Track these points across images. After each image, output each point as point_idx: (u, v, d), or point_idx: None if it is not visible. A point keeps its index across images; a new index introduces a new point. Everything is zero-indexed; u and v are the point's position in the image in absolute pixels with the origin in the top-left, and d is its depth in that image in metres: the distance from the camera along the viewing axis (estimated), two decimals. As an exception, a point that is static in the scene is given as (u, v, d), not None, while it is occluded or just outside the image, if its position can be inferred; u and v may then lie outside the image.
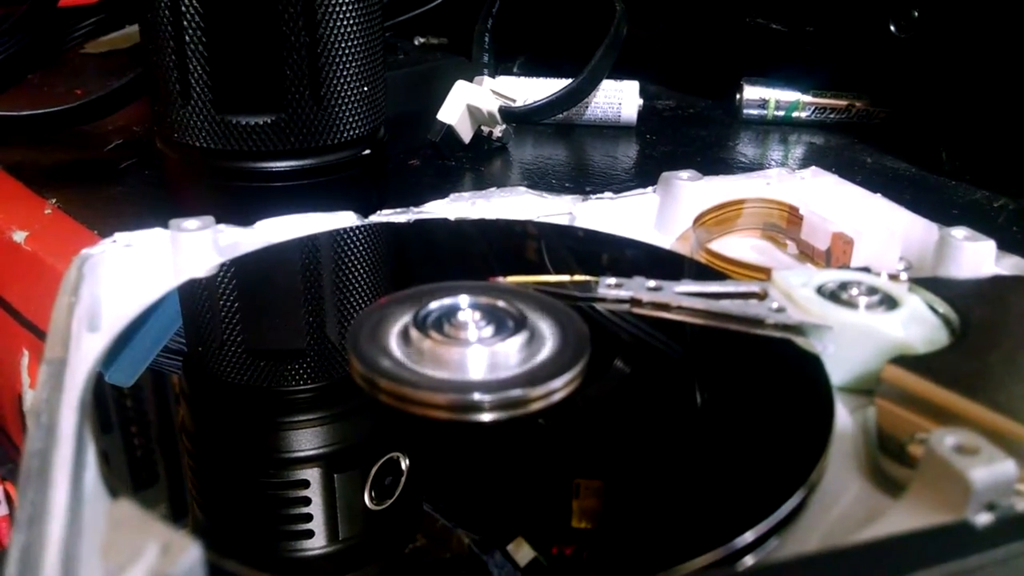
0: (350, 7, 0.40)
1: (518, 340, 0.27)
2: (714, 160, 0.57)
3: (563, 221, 0.39)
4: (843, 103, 0.61)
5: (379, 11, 0.43)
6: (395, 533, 0.26)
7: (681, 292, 0.31)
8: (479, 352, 0.26)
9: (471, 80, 0.57)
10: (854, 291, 0.30)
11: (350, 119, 0.42)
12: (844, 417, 0.28)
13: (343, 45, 0.41)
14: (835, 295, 0.30)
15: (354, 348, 0.26)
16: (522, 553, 0.24)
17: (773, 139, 0.61)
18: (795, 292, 0.30)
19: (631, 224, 0.40)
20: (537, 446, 0.28)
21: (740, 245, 0.40)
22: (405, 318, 0.27)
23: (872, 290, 0.30)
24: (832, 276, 0.31)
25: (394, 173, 0.51)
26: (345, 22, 0.40)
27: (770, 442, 0.28)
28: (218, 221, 0.35)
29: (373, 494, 0.27)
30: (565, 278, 0.32)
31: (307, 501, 0.26)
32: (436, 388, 0.25)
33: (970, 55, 0.52)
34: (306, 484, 0.27)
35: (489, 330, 0.27)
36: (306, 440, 0.29)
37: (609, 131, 0.62)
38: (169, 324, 0.33)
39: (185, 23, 0.39)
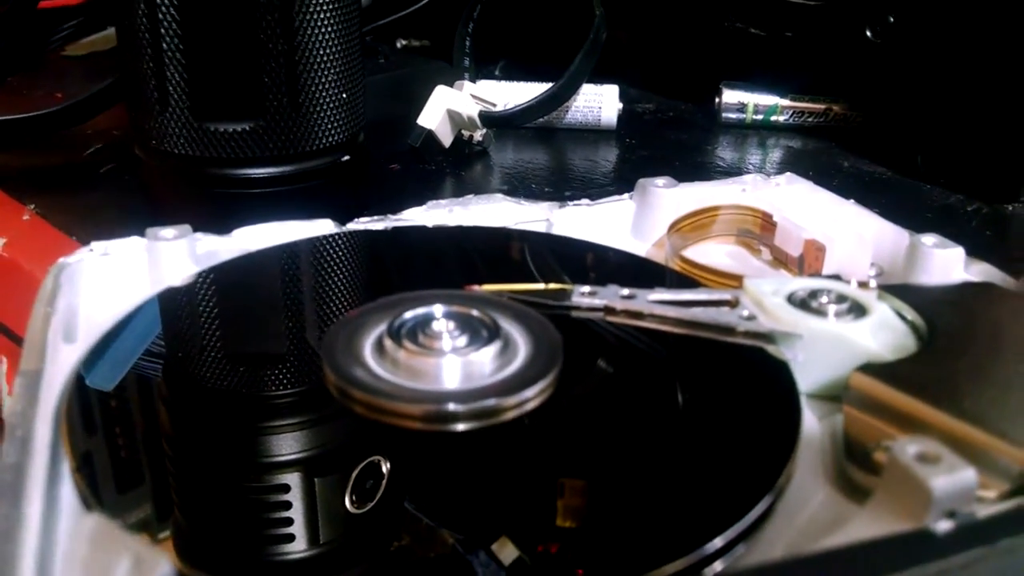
0: (328, 15, 0.40)
1: (492, 349, 0.27)
2: (693, 164, 0.57)
3: (540, 228, 0.39)
4: (821, 107, 0.62)
5: (357, 17, 0.43)
6: (376, 536, 0.26)
7: (654, 300, 0.31)
8: (453, 362, 0.26)
9: (452, 84, 0.57)
10: (824, 299, 0.30)
11: (329, 125, 0.42)
12: (812, 423, 0.28)
13: (321, 52, 0.41)
14: (805, 303, 0.30)
15: (328, 359, 0.26)
16: (506, 552, 0.24)
17: (751, 143, 0.62)
18: (766, 300, 0.30)
19: (608, 230, 0.40)
20: (520, 446, 0.28)
21: (715, 251, 0.40)
22: (380, 328, 0.28)
23: (841, 298, 0.30)
24: (802, 284, 0.31)
25: (375, 177, 0.51)
26: (323, 29, 0.40)
27: (739, 447, 0.28)
28: (197, 228, 0.35)
29: (354, 498, 0.27)
30: (540, 286, 0.33)
31: (288, 505, 0.27)
32: (410, 399, 0.25)
33: (944, 60, 0.53)
34: (286, 488, 0.27)
35: (463, 339, 0.27)
36: (286, 445, 0.30)
37: (589, 135, 0.62)
38: (150, 328, 0.33)
39: (162, 30, 0.39)
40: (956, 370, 0.28)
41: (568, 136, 0.62)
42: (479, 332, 0.28)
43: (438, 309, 0.28)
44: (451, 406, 0.25)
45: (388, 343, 0.27)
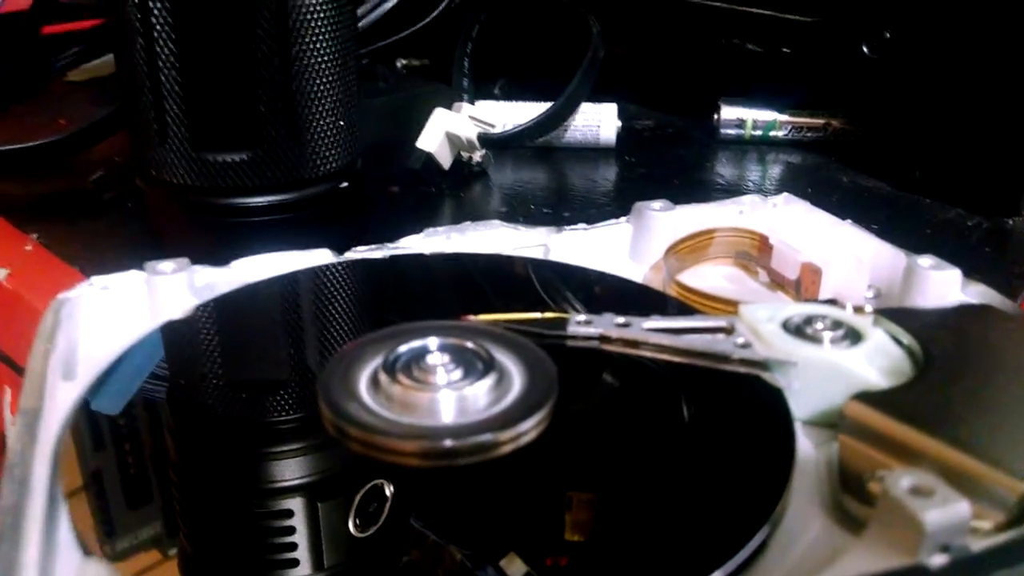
0: (324, 44, 0.41)
1: (487, 383, 0.27)
2: (692, 182, 0.58)
3: (537, 253, 0.40)
4: (819, 122, 0.62)
5: (353, 45, 0.43)
6: (381, 559, 0.26)
7: (649, 328, 0.32)
8: (448, 396, 0.26)
9: (450, 106, 0.57)
10: (819, 325, 0.30)
11: (327, 153, 0.43)
12: (808, 451, 0.28)
13: (318, 81, 0.41)
14: (800, 330, 0.30)
15: (324, 395, 0.27)
16: (514, 568, 0.24)
17: (750, 159, 0.62)
18: (761, 327, 0.30)
19: (605, 255, 0.40)
20: (526, 461, 0.28)
21: (712, 274, 0.40)
22: (375, 362, 0.28)
23: (837, 324, 0.30)
24: (798, 310, 0.31)
25: (374, 202, 0.51)
26: (319, 58, 0.41)
27: (733, 477, 0.28)
28: (197, 258, 0.35)
29: (358, 521, 0.27)
30: (536, 315, 0.33)
31: (291, 531, 0.27)
32: (404, 435, 0.25)
33: (942, 74, 0.53)
34: (290, 514, 0.28)
35: (458, 373, 0.27)
36: (289, 470, 0.30)
37: (589, 153, 0.62)
38: (154, 353, 0.33)
39: (160, 63, 0.39)
40: (952, 397, 0.28)
41: (567, 155, 0.62)
42: (474, 365, 0.28)
43: (432, 342, 0.28)
44: (447, 442, 0.25)
45: (383, 378, 0.27)
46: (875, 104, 0.59)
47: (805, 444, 0.29)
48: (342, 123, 0.43)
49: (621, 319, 0.32)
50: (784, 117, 0.62)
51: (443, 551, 0.25)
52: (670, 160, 0.61)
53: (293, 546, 0.26)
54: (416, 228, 0.45)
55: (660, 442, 0.30)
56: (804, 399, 0.29)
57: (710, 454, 0.30)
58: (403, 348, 0.28)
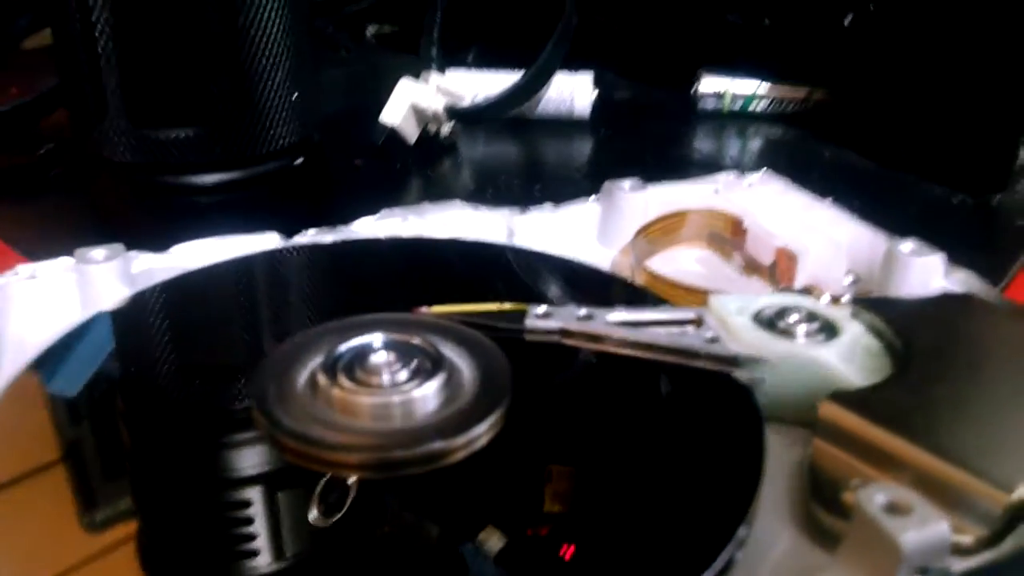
0: (275, 13, 0.38)
1: (435, 383, 0.25)
2: (668, 157, 0.55)
3: (501, 236, 0.37)
4: (800, 94, 0.60)
5: (307, 13, 0.41)
6: (343, 548, 0.25)
7: (613, 321, 0.30)
8: (394, 399, 0.24)
9: (419, 75, 0.55)
10: (793, 318, 0.28)
11: (279, 128, 0.40)
12: (778, 454, 0.27)
13: (268, 52, 0.39)
14: (772, 323, 0.28)
15: (257, 400, 0.24)
16: (493, 542, 0.23)
17: (730, 132, 0.60)
18: (731, 320, 0.28)
19: (572, 237, 0.38)
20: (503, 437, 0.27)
21: (684, 257, 0.38)
22: (315, 361, 0.26)
23: (812, 316, 0.28)
24: (771, 302, 0.29)
25: (334, 177, 0.49)
26: (269, 28, 0.38)
27: (698, 487, 0.26)
28: (145, 238, 0.33)
29: (318, 511, 0.26)
30: (493, 307, 0.31)
31: (250, 521, 0.25)
32: (343, 447, 0.23)
33: (926, 48, 0.51)
34: (248, 504, 0.26)
35: (404, 373, 0.25)
36: (248, 459, 0.28)
37: (563, 126, 0.60)
38: (106, 336, 0.32)
39: (97, 33, 0.36)
40: (933, 396, 0.26)
41: (540, 128, 0.60)
42: (422, 364, 0.26)
43: (377, 339, 0.26)
44: (393, 453, 0.23)
45: (323, 379, 0.25)
46: (858, 76, 0.56)
47: (775, 444, 0.27)
48: (295, 96, 0.41)
49: (583, 311, 0.30)
50: (764, 89, 0.60)
51: (420, 527, 0.25)
52: (646, 134, 0.59)
53: (252, 536, 0.25)
54: (377, 207, 0.43)
55: (618, 445, 0.28)
56: (775, 396, 0.27)
57: (672, 460, 0.28)
58: (344, 346, 0.26)
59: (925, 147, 0.52)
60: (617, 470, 0.27)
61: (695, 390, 0.29)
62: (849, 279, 0.35)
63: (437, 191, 0.50)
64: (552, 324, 0.30)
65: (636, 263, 0.35)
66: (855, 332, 0.28)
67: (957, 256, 0.42)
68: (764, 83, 0.60)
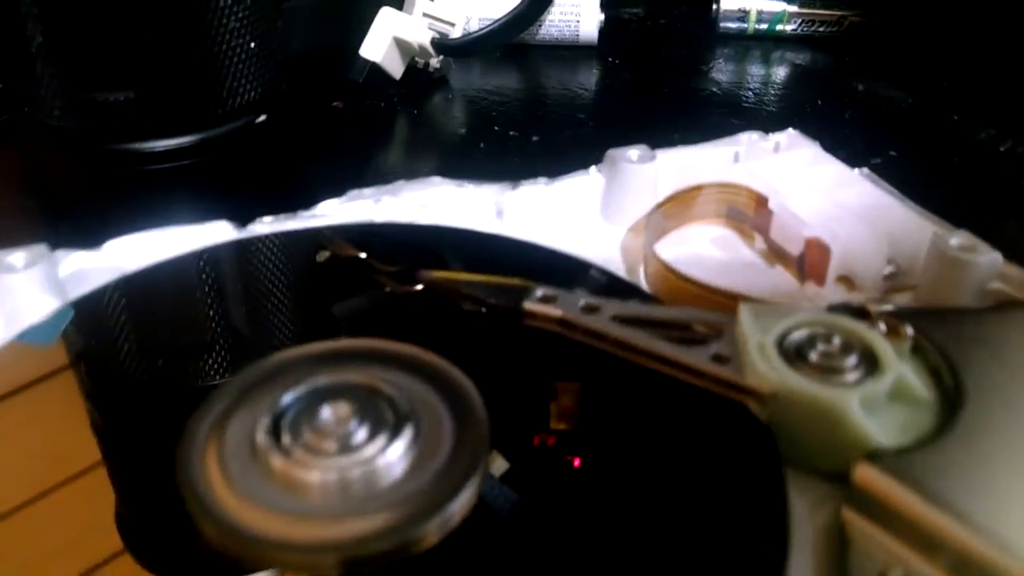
0: (222, -50, 0.33)
1: (400, 444, 0.21)
2: (684, 91, 0.50)
3: (488, 215, 0.33)
4: (833, 15, 0.54)
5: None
6: None
7: (619, 317, 0.25)
8: (352, 472, 0.21)
9: (402, 2, 0.49)
10: (825, 347, 0.24)
11: (236, 83, 0.35)
12: (802, 516, 0.23)
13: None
14: (800, 350, 0.24)
15: (182, 470, 0.21)
16: (496, 465, 0.23)
17: (753, 58, 0.54)
18: (751, 340, 0.24)
19: (572, 214, 0.33)
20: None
21: (700, 237, 0.34)
22: (253, 417, 0.22)
23: (849, 347, 0.24)
24: (810, 319, 0.25)
25: (308, 127, 0.44)
26: (217, -31, 0.33)
27: (708, 556, 0.23)
28: (91, 213, 0.30)
29: None
30: (494, 279, 0.27)
31: None
32: (288, 547, 0.19)
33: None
34: None
35: (363, 432, 0.21)
36: None
37: (567, 52, 0.54)
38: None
39: (14, -21, 0.31)
40: (987, 454, 0.22)
41: (542, 55, 0.54)
42: (383, 416, 0.22)
43: (327, 388, 0.22)
44: (351, 551, 0.19)
45: (263, 442, 0.21)
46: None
47: (798, 504, 0.23)
48: (253, 44, 0.35)
49: (590, 300, 0.26)
50: (793, 8, 0.54)
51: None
52: (659, 61, 0.53)
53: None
54: (354, 164, 0.39)
55: (607, 502, 0.25)
56: (793, 440, 0.23)
57: (675, 521, 0.24)
58: (289, 396, 0.22)
59: (971, 81, 0.47)
60: (605, 530, 0.24)
61: (707, 418, 0.26)
62: (889, 269, 0.31)
63: (423, 139, 0.45)
64: (552, 311, 0.26)
65: (649, 245, 0.31)
66: (900, 373, 0.23)
67: (1000, 228, 0.37)
68: (793, 2, 0.54)
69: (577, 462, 0.25)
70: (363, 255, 0.30)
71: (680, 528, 0.23)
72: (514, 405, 0.26)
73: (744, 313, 0.25)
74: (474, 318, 0.27)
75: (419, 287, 0.29)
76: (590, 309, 0.26)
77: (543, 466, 0.25)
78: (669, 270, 0.29)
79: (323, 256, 0.33)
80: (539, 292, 0.27)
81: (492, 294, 0.27)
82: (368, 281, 0.31)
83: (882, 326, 0.25)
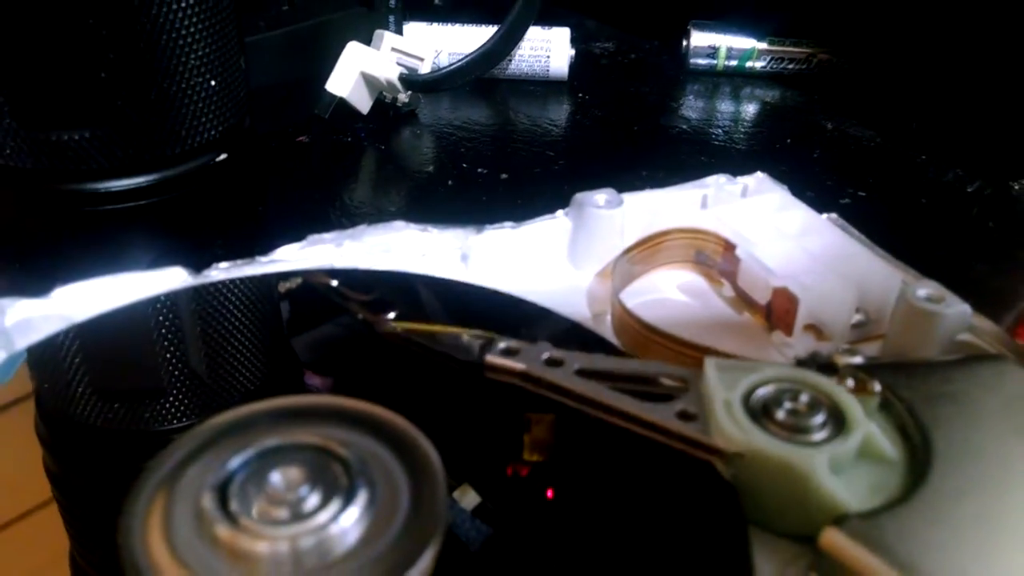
0: (182, -12, 0.32)
1: (355, 509, 0.21)
2: (653, 128, 0.50)
3: (454, 261, 0.32)
4: (803, 53, 0.54)
5: (227, -15, 0.34)
6: None
7: (583, 371, 0.25)
8: (303, 543, 0.20)
9: (372, 32, 0.48)
10: (791, 405, 0.23)
11: (194, 122, 0.34)
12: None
13: (175, 33, 0.32)
14: (767, 408, 0.24)
15: (124, 540, 0.20)
16: (468, 499, 0.23)
17: (722, 95, 0.54)
18: (716, 397, 0.24)
19: (538, 259, 0.33)
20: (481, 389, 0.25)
21: (667, 282, 0.33)
22: (200, 480, 0.21)
23: (816, 405, 0.23)
24: (776, 375, 0.24)
25: (271, 164, 0.43)
26: (175, 6, 0.32)
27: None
28: (41, 257, 0.31)
29: None
30: (458, 330, 0.26)
31: None
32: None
33: (947, 8, 0.45)
34: None
35: (315, 497, 0.21)
36: None
37: (537, 88, 0.54)
38: None
39: (-35, 16, 0.30)
40: (957, 520, 0.21)
41: (512, 90, 0.53)
42: (336, 480, 0.21)
43: (277, 449, 0.21)
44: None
45: (208, 509, 0.20)
46: (867, 35, 0.50)
47: (763, 564, 0.22)
48: (214, 82, 0.34)
49: (554, 353, 0.25)
50: (763, 45, 0.54)
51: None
52: (630, 98, 0.53)
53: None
54: (317, 203, 0.38)
55: (582, 521, 0.24)
56: (763, 502, 0.23)
57: (644, 558, 0.24)
58: (237, 460, 0.21)
59: (939, 121, 0.47)
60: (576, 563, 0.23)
61: (673, 469, 0.25)
62: (857, 318, 0.30)
63: (390, 176, 0.44)
64: (514, 364, 0.25)
65: (615, 293, 0.30)
66: (867, 433, 0.23)
67: (969, 274, 0.37)
68: (762, 39, 0.54)
69: (550, 493, 0.25)
70: (334, 283, 0.30)
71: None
72: (486, 436, 0.26)
73: (710, 368, 0.25)
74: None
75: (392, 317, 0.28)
76: (553, 363, 0.25)
77: (516, 498, 0.24)
78: (635, 321, 0.29)
79: (285, 286, 0.33)
80: (502, 344, 0.26)
81: (453, 347, 0.26)
82: (331, 313, 0.31)
83: (850, 382, 0.24)
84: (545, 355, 0.26)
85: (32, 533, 0.32)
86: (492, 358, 0.26)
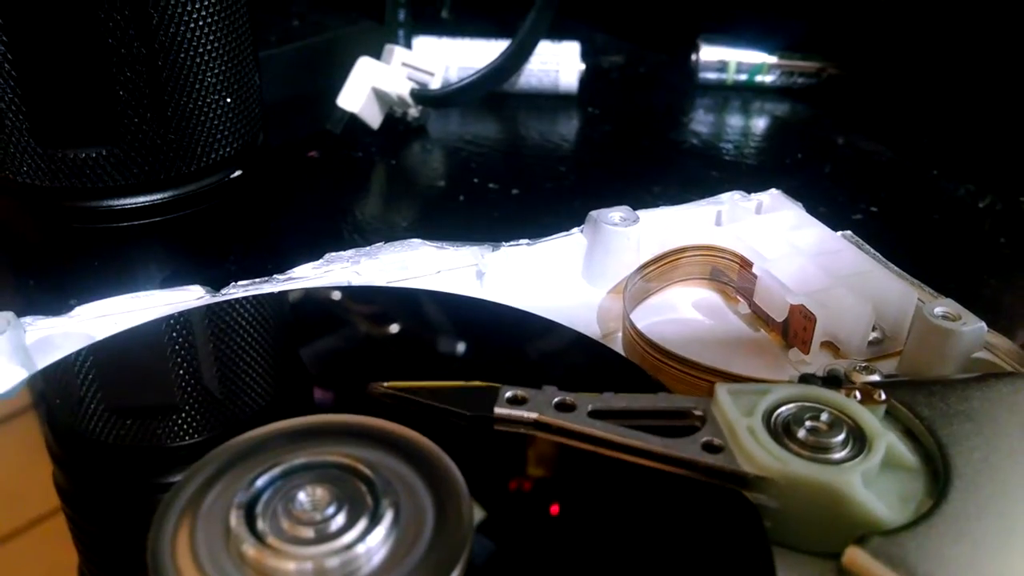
0: (199, 8, 0.32)
1: (380, 529, 0.21)
2: (663, 143, 0.50)
3: (469, 278, 0.32)
4: (813, 67, 0.54)
5: (243, 3, 0.35)
6: None
7: (595, 412, 0.25)
8: (327, 559, 0.20)
9: (382, 46, 0.48)
10: (812, 424, 0.24)
11: (210, 139, 0.34)
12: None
13: (192, 52, 0.33)
14: (789, 428, 0.24)
15: (152, 555, 0.20)
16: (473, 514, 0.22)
17: (732, 109, 0.54)
18: (738, 424, 0.24)
19: (553, 276, 0.33)
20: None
21: (682, 299, 0.33)
22: (227, 499, 0.21)
23: (836, 423, 0.24)
24: (789, 394, 0.24)
25: (285, 180, 0.43)
26: (192, 24, 0.32)
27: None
28: (60, 275, 0.30)
29: None
30: (459, 384, 0.26)
31: None
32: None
33: (959, 22, 0.45)
34: None
35: (341, 517, 0.21)
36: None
37: (547, 102, 0.54)
38: None
39: (-16, 34, 0.30)
40: (977, 537, 0.21)
41: (521, 104, 0.54)
42: (361, 499, 0.21)
43: (303, 469, 0.22)
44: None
45: (235, 528, 0.20)
46: (877, 49, 0.50)
47: (788, 584, 0.22)
48: (229, 99, 0.35)
49: (565, 397, 0.25)
50: (773, 59, 0.54)
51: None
52: (639, 112, 0.53)
53: None
54: (331, 219, 0.38)
55: (588, 538, 0.24)
56: (785, 522, 0.23)
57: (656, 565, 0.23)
58: (263, 479, 0.21)
59: (950, 136, 0.47)
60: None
61: (690, 500, 0.25)
62: (874, 335, 0.30)
63: (402, 191, 0.45)
64: (525, 414, 0.25)
65: (627, 313, 0.30)
66: (888, 444, 0.23)
67: (982, 290, 0.37)
68: (772, 53, 0.54)
69: (555, 509, 0.24)
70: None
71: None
72: (490, 451, 0.25)
73: (722, 394, 0.25)
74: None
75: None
76: (564, 407, 0.25)
77: (520, 513, 0.24)
78: (645, 343, 0.29)
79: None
80: (507, 393, 0.25)
81: (461, 406, 0.26)
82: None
83: (856, 393, 0.24)
84: (555, 399, 0.25)
85: (37, 545, 0.32)
86: (501, 410, 0.25)
